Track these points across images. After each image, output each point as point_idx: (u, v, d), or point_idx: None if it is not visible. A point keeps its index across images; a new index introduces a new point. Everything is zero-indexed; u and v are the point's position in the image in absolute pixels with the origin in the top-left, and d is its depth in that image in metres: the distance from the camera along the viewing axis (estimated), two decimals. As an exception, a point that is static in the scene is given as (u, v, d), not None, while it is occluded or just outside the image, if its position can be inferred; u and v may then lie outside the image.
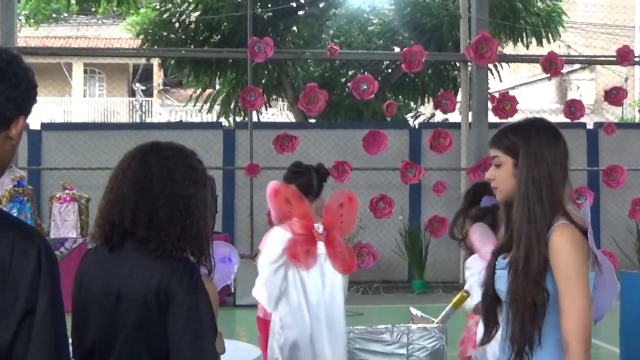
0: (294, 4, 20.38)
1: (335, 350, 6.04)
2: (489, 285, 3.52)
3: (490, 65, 17.48)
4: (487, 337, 3.57)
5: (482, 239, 5.31)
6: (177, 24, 20.22)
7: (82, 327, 3.27)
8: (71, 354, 3.18)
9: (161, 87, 37.08)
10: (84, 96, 37.27)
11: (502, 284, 3.34)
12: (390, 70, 19.95)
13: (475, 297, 6.59)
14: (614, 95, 15.83)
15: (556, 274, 3.23)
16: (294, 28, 20.64)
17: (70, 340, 3.12)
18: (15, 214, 12.92)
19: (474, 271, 5.41)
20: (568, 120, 15.31)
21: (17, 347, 2.30)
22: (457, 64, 18.79)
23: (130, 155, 3.34)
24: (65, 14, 23.34)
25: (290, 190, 6.30)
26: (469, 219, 5.40)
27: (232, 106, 20.57)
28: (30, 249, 2.34)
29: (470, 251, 5.49)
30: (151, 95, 37.31)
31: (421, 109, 22.97)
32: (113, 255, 3.26)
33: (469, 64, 16.40)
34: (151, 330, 3.16)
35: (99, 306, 3.23)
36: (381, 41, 20.93)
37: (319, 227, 6.19)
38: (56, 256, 2.44)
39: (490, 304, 3.53)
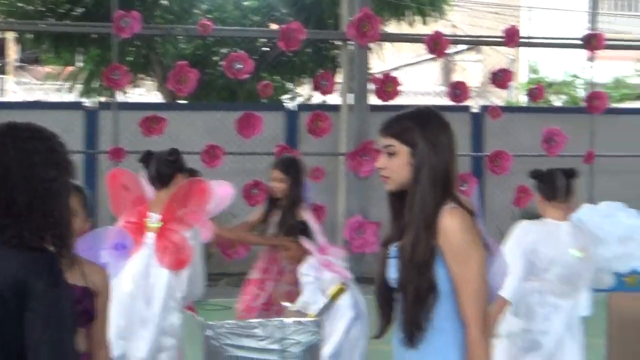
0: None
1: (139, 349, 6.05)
2: (380, 276, 3.60)
3: (373, 45, 17.63)
4: (383, 328, 3.67)
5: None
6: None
7: None
8: None
9: (17, 64, 36.49)
10: None
11: (393, 271, 3.42)
12: (266, 49, 19.95)
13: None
14: (500, 78, 16.08)
15: (447, 257, 3.37)
16: (164, 1, 20.47)
17: None
18: None
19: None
20: (452, 103, 15.52)
21: None
22: (338, 43, 18.86)
23: None
24: None
25: (129, 176, 6.26)
26: None
27: (95, 85, 20.38)
28: None
29: None
30: (4, 72, 36.73)
31: (299, 90, 23.09)
32: None
33: (350, 43, 16.47)
34: (5, 328, 3.09)
35: None
36: (257, 17, 20.96)
37: (154, 217, 6.17)
38: None
39: (383, 295, 3.63)
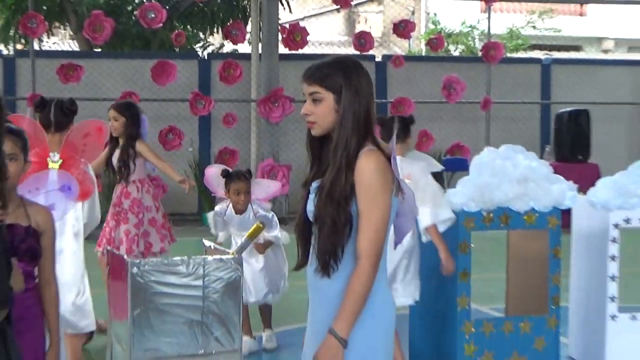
0: None
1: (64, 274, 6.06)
2: (301, 213, 3.67)
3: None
4: (301, 259, 3.72)
5: None
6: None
7: None
8: None
9: None
10: None
11: (311, 205, 3.49)
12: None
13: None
14: (402, 28, 16.19)
15: (358, 194, 3.44)
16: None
17: None
18: None
19: None
20: (357, 53, 15.59)
21: None
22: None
23: None
24: None
25: (28, 122, 6.24)
26: None
27: (11, 33, 20.01)
28: None
29: None
30: None
31: (210, 39, 22.93)
32: None
33: (259, -6, 16.43)
34: None
35: None
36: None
37: (54, 156, 6.16)
38: None
39: (301, 228, 3.69)
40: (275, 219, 7.84)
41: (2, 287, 3.31)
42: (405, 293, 6.54)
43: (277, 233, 7.61)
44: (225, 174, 7.76)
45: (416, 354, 7.05)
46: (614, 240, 6.98)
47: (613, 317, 7.01)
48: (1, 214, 3.73)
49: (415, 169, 6.49)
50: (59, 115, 7.04)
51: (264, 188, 8.26)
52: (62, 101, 7.20)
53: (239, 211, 7.65)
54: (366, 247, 3.42)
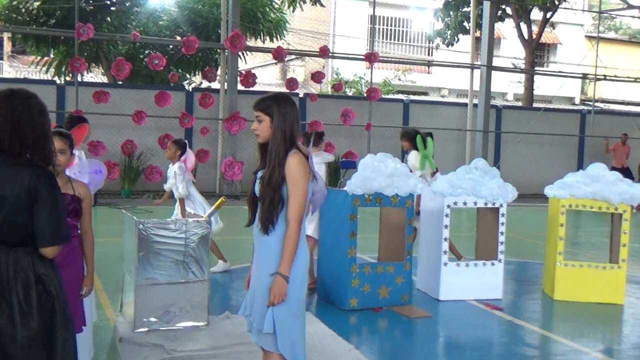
0: (108, 2, 19.46)
1: None
2: (251, 191, 3.74)
3: (240, 52, 17.47)
4: (250, 220, 3.77)
5: None
6: (23, 10, 18.84)
7: None
8: None
9: (10, 54, 34.44)
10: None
11: (257, 188, 3.59)
12: (174, 52, 19.50)
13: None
14: (317, 77, 16.21)
15: (287, 181, 3.55)
16: (108, 18, 19.73)
17: None
18: None
19: None
20: (288, 91, 15.56)
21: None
22: (219, 50, 18.58)
23: None
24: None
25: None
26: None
27: (63, 69, 19.59)
28: None
29: None
30: (2, 58, 34.65)
31: (194, 78, 22.69)
32: None
33: (226, 50, 16.26)
34: (20, 217, 3.06)
35: None
36: (168, 32, 20.47)
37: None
38: None
39: (251, 200, 3.75)
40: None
41: (67, 226, 3.26)
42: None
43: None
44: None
45: (321, 283, 7.06)
46: (447, 215, 7.08)
47: (445, 264, 7.11)
48: None
49: (319, 160, 6.74)
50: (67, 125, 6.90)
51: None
52: (71, 116, 7.09)
53: None
54: (293, 215, 3.51)
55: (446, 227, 7.06)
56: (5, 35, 30.23)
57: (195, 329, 5.40)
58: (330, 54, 18.58)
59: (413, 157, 7.96)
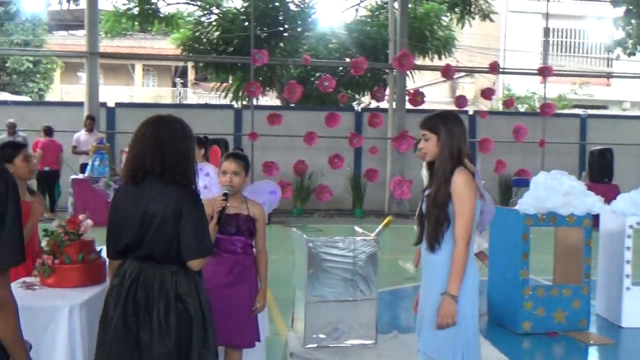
0: (281, 28, 20.23)
1: None
2: (418, 209, 3.71)
3: (408, 71, 17.48)
4: (417, 239, 3.73)
5: None
6: (204, 39, 20.05)
7: (118, 235, 3.34)
8: (107, 254, 3.45)
9: (194, 81, 36.79)
10: (142, 86, 36.96)
11: (424, 207, 3.56)
12: (343, 73, 19.88)
13: None
14: (487, 93, 15.88)
15: (454, 199, 3.48)
16: (281, 44, 20.49)
17: (106, 245, 3.41)
18: (97, 162, 12.83)
19: None
20: (456, 109, 15.35)
21: None
22: (387, 70, 18.72)
23: (146, 123, 3.40)
24: (131, 32, 22.92)
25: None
26: None
27: (240, 94, 20.53)
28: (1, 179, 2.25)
29: None
30: (187, 86, 37.06)
31: (363, 99, 22.97)
32: (138, 188, 3.31)
33: (394, 70, 16.35)
34: (169, 231, 3.24)
35: (130, 221, 3.29)
36: (338, 54, 20.88)
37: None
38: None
39: (419, 219, 3.70)
40: None
41: (209, 242, 3.43)
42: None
43: None
44: None
45: (492, 306, 6.85)
46: (629, 236, 6.64)
47: (627, 288, 6.66)
48: (222, 201, 4.05)
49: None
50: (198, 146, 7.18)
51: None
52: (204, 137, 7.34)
53: None
54: (461, 233, 3.43)
55: (628, 248, 6.60)
56: (189, 65, 32.42)
57: (363, 347, 5.42)
58: (501, 70, 18.11)
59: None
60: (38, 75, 27.93)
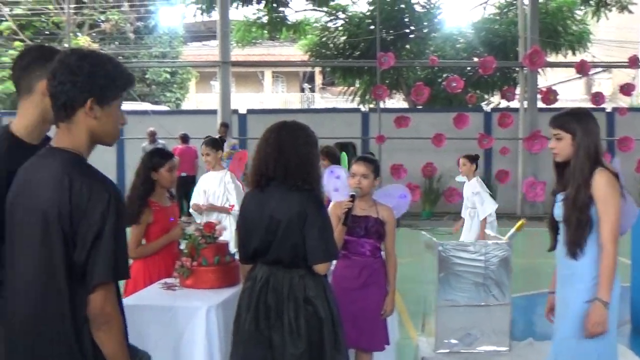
0: (407, 30, 20.15)
1: None
2: (551, 214, 3.57)
3: (539, 69, 16.91)
4: (552, 245, 3.61)
5: None
6: (331, 45, 20.29)
7: (247, 240, 3.44)
8: (239, 258, 3.58)
9: (321, 86, 37.30)
10: (272, 92, 37.88)
11: (559, 211, 3.41)
12: (471, 73, 19.51)
13: None
14: (626, 89, 15.06)
15: (597, 201, 3.32)
16: (407, 46, 20.40)
17: (237, 249, 3.56)
18: (230, 167, 13.30)
19: None
20: (593, 106, 14.67)
21: (89, 262, 2.20)
22: (516, 69, 18.19)
23: (270, 129, 3.48)
24: (260, 40, 23.57)
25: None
26: None
27: (367, 97, 20.61)
28: (104, 193, 2.22)
29: None
30: (314, 91, 37.62)
31: (492, 99, 22.45)
32: (263, 194, 3.40)
33: (525, 68, 15.85)
34: (294, 236, 3.29)
35: (257, 226, 3.37)
36: (465, 54, 20.52)
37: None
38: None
39: (552, 225, 3.58)
40: None
41: (335, 245, 3.46)
42: None
43: None
44: None
45: (636, 313, 6.49)
46: None
47: None
48: (348, 204, 4.12)
49: None
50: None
51: None
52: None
53: None
54: (608, 237, 3.27)
55: None
56: (317, 70, 32.94)
57: (497, 354, 5.28)
58: (641, 63, 17.14)
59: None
60: (175, 86, 29.27)
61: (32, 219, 2.25)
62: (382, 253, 4.44)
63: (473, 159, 8.05)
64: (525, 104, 16.29)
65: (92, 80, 2.26)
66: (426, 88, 14.32)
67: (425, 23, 20.48)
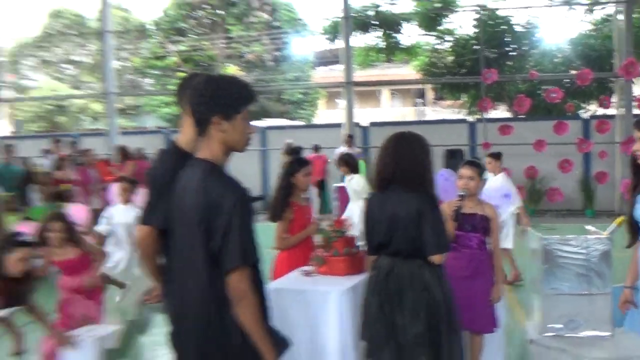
0: (508, 48, 19.53)
1: None
2: (629, 214, 3.33)
3: (634, 79, 15.88)
4: (630, 242, 3.63)
5: None
6: (440, 64, 20.05)
7: (371, 234, 3.45)
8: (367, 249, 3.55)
9: (432, 100, 36.79)
10: (389, 107, 37.78)
11: (637, 211, 3.23)
12: (569, 84, 18.60)
13: None
14: None
15: None
16: (509, 62, 19.75)
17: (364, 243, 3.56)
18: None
19: None
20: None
21: (223, 250, 2.28)
22: (612, 79, 17.15)
23: (389, 139, 3.46)
24: (378, 62, 23.57)
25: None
26: None
27: (472, 109, 20.17)
28: (233, 194, 2.29)
29: None
30: (426, 105, 37.18)
31: (589, 107, 21.30)
32: (384, 196, 3.39)
33: (620, 78, 14.91)
34: (412, 231, 3.27)
35: (380, 223, 3.36)
36: (563, 67, 19.61)
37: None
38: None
39: (630, 223, 3.56)
40: None
41: (446, 240, 3.39)
42: None
43: None
44: None
45: None
46: None
47: None
48: (457, 203, 4.08)
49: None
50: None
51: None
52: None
53: None
54: None
55: None
56: (428, 86, 32.54)
57: (599, 339, 4.99)
58: None
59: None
60: (306, 104, 29.85)
61: (183, 218, 2.40)
62: (489, 246, 4.34)
63: (497, 156, 7.70)
64: (622, 111, 15.32)
65: (216, 100, 2.35)
66: (527, 99, 13.79)
67: (525, 41, 19.76)
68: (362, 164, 7.54)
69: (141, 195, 10.88)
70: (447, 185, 4.78)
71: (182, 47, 26.68)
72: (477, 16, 18.68)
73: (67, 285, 4.66)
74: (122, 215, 6.28)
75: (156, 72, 27.07)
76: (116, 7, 25.53)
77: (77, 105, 29.44)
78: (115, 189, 7.22)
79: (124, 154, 11.56)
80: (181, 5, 26.80)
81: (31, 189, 10.21)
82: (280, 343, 2.49)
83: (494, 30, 18.87)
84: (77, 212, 6.95)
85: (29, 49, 30.09)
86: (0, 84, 22.03)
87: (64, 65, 30.91)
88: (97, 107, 27.45)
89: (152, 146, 14.41)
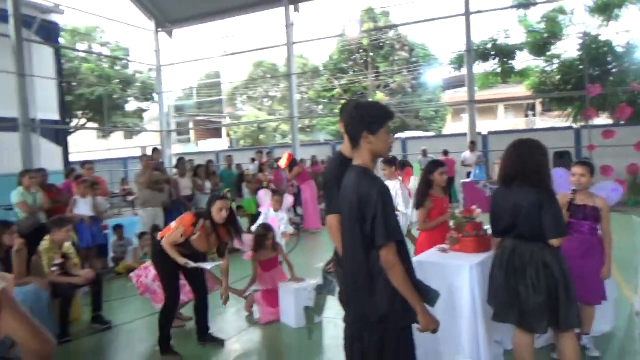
0: (610, 66, 17.34)
1: None
2: None
3: None
4: None
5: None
6: (548, 82, 18.37)
7: (497, 221, 3.21)
8: (492, 233, 3.29)
9: (542, 112, 33.90)
10: (505, 119, 35.50)
11: None
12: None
13: None
14: None
15: None
16: (611, 78, 17.55)
17: (490, 227, 3.28)
18: (478, 171, 12.71)
19: None
20: None
21: (373, 232, 2.33)
22: None
23: (513, 144, 3.21)
24: (495, 84, 22.06)
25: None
26: None
27: (578, 117, 18.26)
28: (375, 189, 2.34)
29: None
30: (535, 116, 34.33)
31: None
32: (508, 190, 3.16)
33: None
34: (533, 219, 3.01)
35: (504, 211, 3.14)
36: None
37: None
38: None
39: None
40: None
41: (563, 226, 3.04)
42: None
43: None
44: None
45: None
46: None
47: None
48: (570, 196, 3.72)
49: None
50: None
51: None
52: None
53: None
54: None
55: None
56: (537, 101, 30.05)
57: None
58: None
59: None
60: (437, 119, 29.15)
61: (346, 210, 2.48)
62: (599, 232, 3.88)
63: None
64: None
65: (362, 120, 2.41)
66: (628, 108, 12.12)
67: (625, 60, 17.43)
68: (417, 166, 6.93)
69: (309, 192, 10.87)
70: (562, 182, 4.33)
71: (343, 82, 27.48)
72: (581, 41, 16.85)
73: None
74: (274, 219, 6.48)
75: (325, 100, 28.11)
76: (298, 56, 26.92)
77: (272, 127, 31.47)
78: (262, 194, 7.30)
79: (292, 161, 11.21)
80: (342, 51, 27.57)
81: (243, 186, 10.94)
82: (431, 293, 2.54)
83: (597, 52, 16.88)
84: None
85: (241, 89, 32.95)
86: (223, 114, 24.07)
87: (263, 99, 33.26)
88: (285, 127, 29.23)
89: (323, 154, 14.98)
